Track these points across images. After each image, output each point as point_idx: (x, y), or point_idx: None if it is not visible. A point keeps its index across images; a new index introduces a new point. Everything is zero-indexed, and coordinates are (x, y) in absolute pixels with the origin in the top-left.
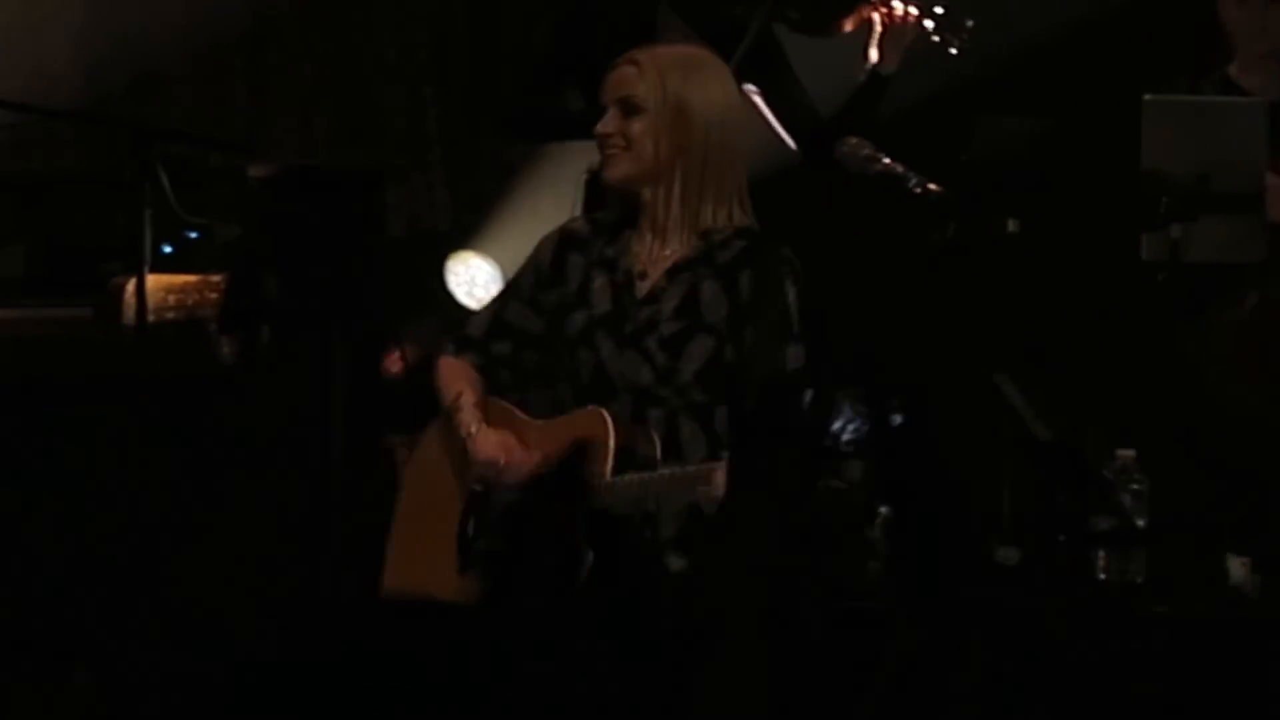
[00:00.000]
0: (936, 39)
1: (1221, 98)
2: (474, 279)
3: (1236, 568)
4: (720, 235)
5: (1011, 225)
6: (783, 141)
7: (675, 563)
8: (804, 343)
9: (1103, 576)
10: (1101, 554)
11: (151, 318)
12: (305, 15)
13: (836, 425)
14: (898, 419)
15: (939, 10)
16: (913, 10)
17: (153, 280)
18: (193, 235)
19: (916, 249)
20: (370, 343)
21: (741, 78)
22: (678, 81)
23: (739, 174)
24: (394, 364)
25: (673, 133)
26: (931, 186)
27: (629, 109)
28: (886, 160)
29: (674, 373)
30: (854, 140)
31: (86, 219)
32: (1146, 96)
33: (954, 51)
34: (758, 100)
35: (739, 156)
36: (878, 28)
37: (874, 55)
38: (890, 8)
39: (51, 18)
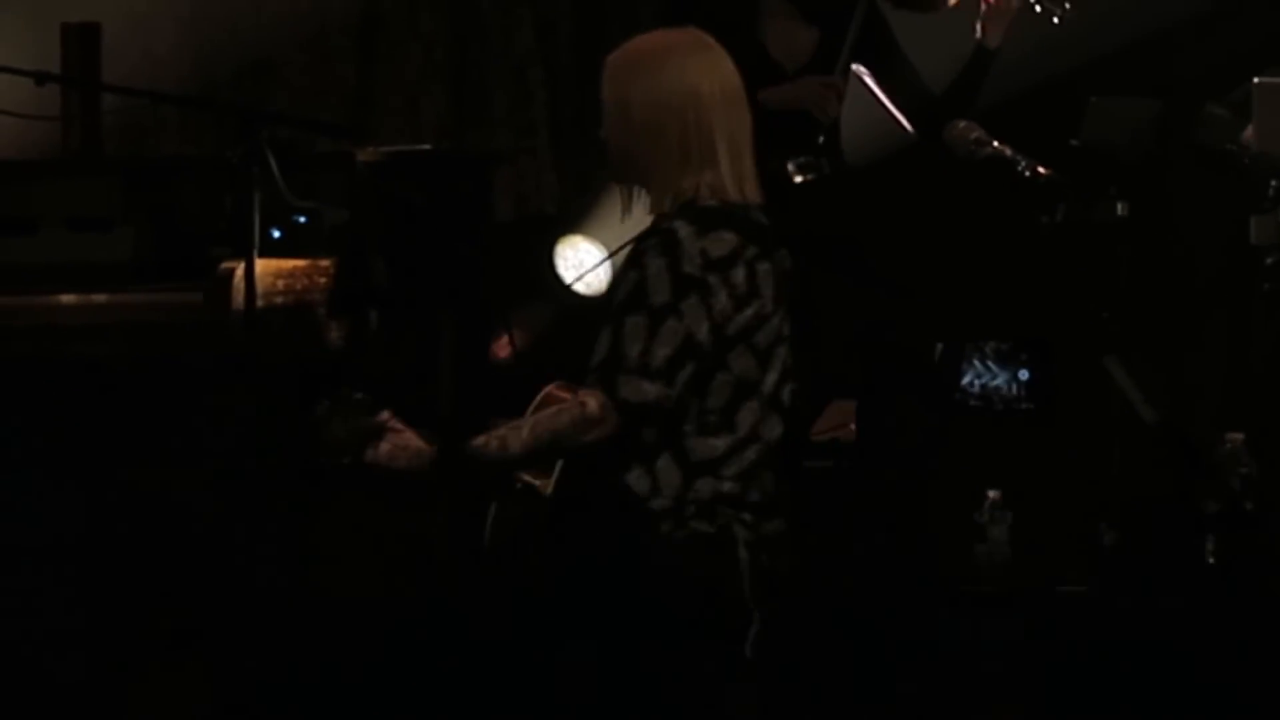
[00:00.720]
0: (1038, 9)
1: None
2: (582, 262)
3: None
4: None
5: (1121, 208)
6: (896, 122)
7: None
8: (675, 314)
9: (1211, 560)
10: (1210, 538)
11: (260, 302)
12: (414, 0)
13: (966, 379)
14: (1024, 374)
15: None
16: None
17: (261, 265)
18: (301, 220)
19: (1026, 231)
20: (478, 327)
21: (850, 58)
22: (622, 82)
23: (699, 159)
24: (502, 348)
25: (617, 134)
26: (1041, 170)
27: (601, 113)
28: (995, 144)
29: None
30: (963, 124)
31: (195, 203)
32: (1256, 80)
33: (1055, 21)
34: (868, 81)
35: (681, 145)
36: (982, 3)
37: (979, 30)
38: None
39: (160, 4)
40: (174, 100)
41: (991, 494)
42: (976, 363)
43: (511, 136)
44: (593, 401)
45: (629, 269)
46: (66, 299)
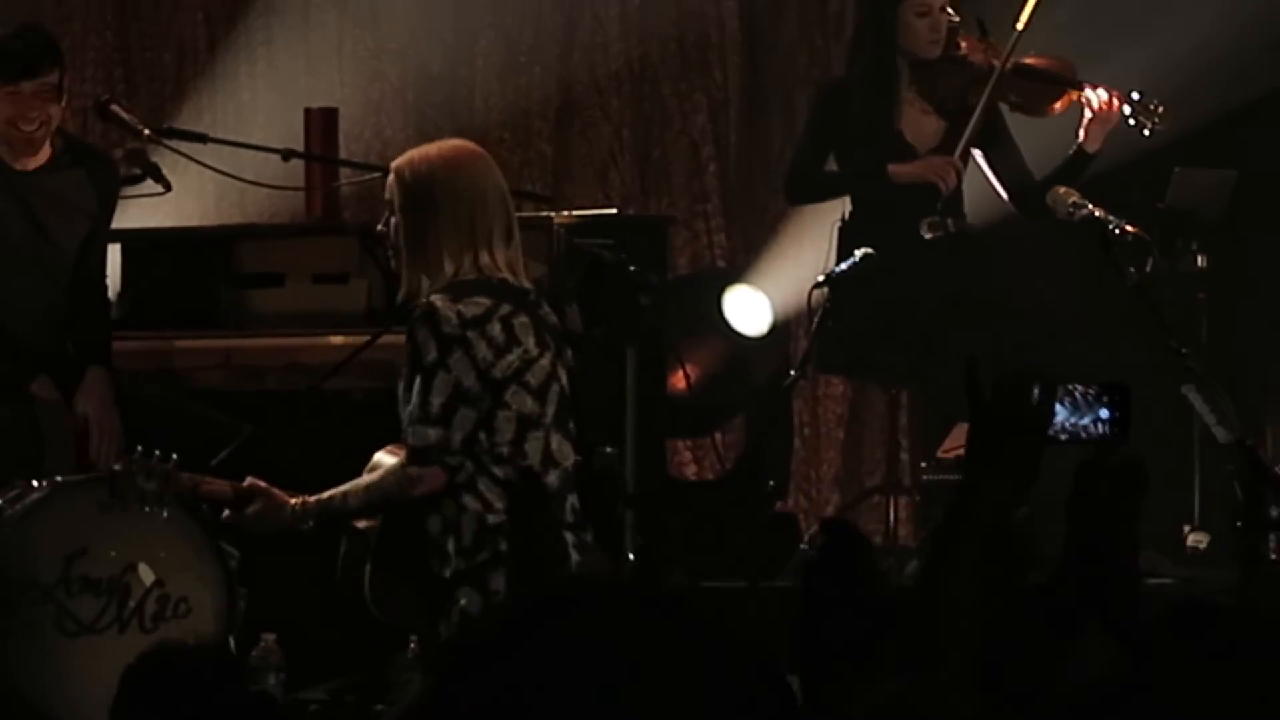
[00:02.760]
0: (1132, 123)
1: None
2: (747, 308)
3: None
4: None
5: (1200, 261)
6: (999, 195)
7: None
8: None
9: (1273, 557)
10: (1273, 538)
11: None
12: (603, 88)
13: (1058, 417)
14: (1105, 413)
15: (1135, 96)
16: (1112, 98)
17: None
18: None
19: (1118, 282)
20: (658, 363)
21: (970, 144)
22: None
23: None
24: (678, 380)
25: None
26: (1129, 228)
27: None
28: (1090, 206)
29: None
30: (1062, 189)
31: None
32: None
33: (1146, 134)
34: (982, 163)
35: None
36: (1086, 113)
37: (1082, 135)
38: (1092, 95)
39: (390, 93)
40: None
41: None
42: (1066, 403)
43: (687, 203)
44: (409, 464)
45: (406, 344)
46: (309, 340)
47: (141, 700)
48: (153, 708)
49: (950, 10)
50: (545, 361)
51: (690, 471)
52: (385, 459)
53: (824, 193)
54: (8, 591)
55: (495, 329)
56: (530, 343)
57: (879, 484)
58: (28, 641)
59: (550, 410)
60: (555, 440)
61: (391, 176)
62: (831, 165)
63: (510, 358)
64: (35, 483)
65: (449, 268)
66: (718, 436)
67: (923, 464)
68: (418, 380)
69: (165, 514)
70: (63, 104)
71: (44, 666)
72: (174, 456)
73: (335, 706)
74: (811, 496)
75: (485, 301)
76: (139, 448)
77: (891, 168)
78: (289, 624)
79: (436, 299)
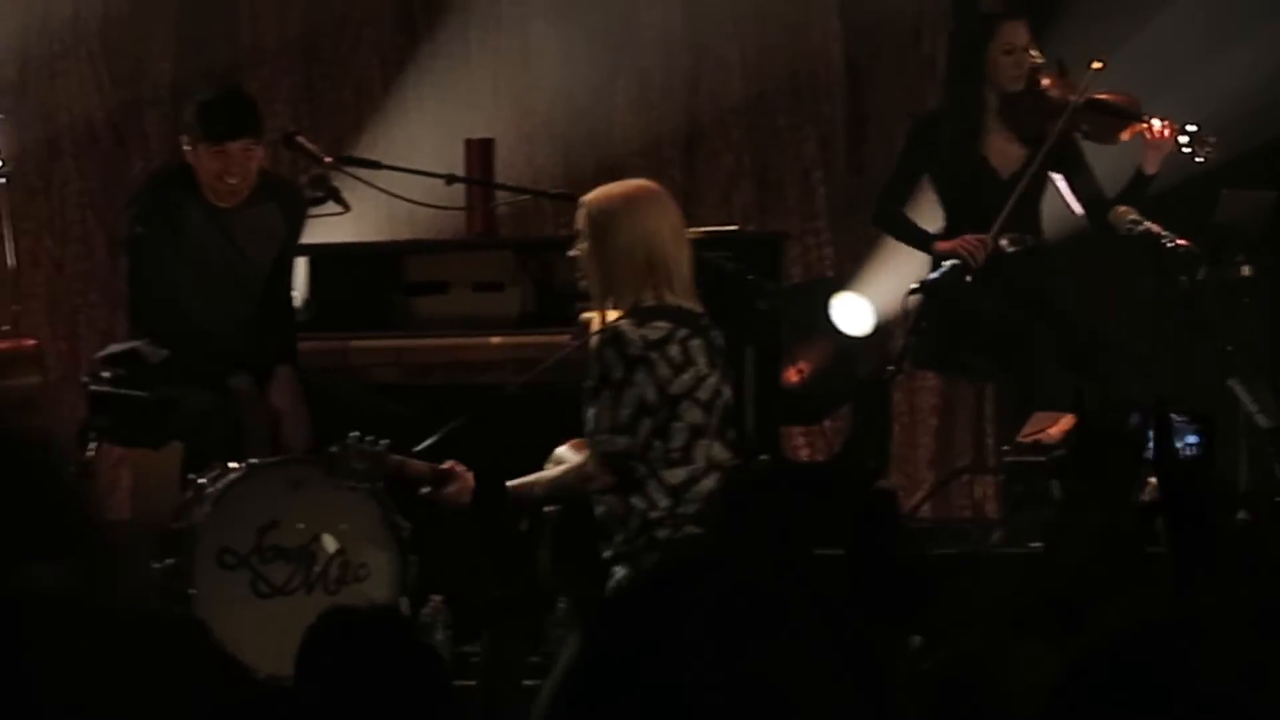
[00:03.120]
0: (1187, 151)
1: None
2: (852, 311)
3: None
4: None
5: (1246, 270)
6: (1073, 212)
7: None
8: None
9: None
10: None
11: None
12: (725, 121)
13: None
14: (1191, 438)
15: (1191, 129)
16: (1170, 129)
17: (611, 315)
18: None
19: (1171, 288)
20: (774, 360)
21: (1045, 167)
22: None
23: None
24: (792, 375)
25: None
26: (1181, 241)
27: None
28: (1146, 223)
29: None
30: (1122, 208)
31: (563, 272)
32: None
33: (1199, 161)
34: (1060, 184)
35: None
36: (1147, 141)
37: (1143, 161)
38: (1154, 126)
39: (540, 125)
40: (549, 195)
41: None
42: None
43: (799, 221)
44: (588, 463)
45: (592, 362)
46: (470, 341)
47: (322, 653)
48: (332, 659)
49: (1033, 50)
50: (713, 379)
51: (803, 454)
52: (567, 454)
53: (895, 234)
54: (209, 558)
55: (673, 350)
56: (701, 362)
57: (967, 465)
58: (226, 601)
59: (715, 421)
60: (717, 447)
61: (582, 210)
62: (926, 190)
63: (685, 376)
64: (233, 464)
65: (631, 296)
66: (826, 424)
67: (1004, 447)
68: (606, 394)
69: (348, 491)
70: (261, 151)
71: (241, 623)
72: (383, 441)
73: (494, 657)
74: (909, 475)
75: (665, 326)
76: (353, 433)
77: (935, 245)
78: (454, 587)
79: (623, 324)
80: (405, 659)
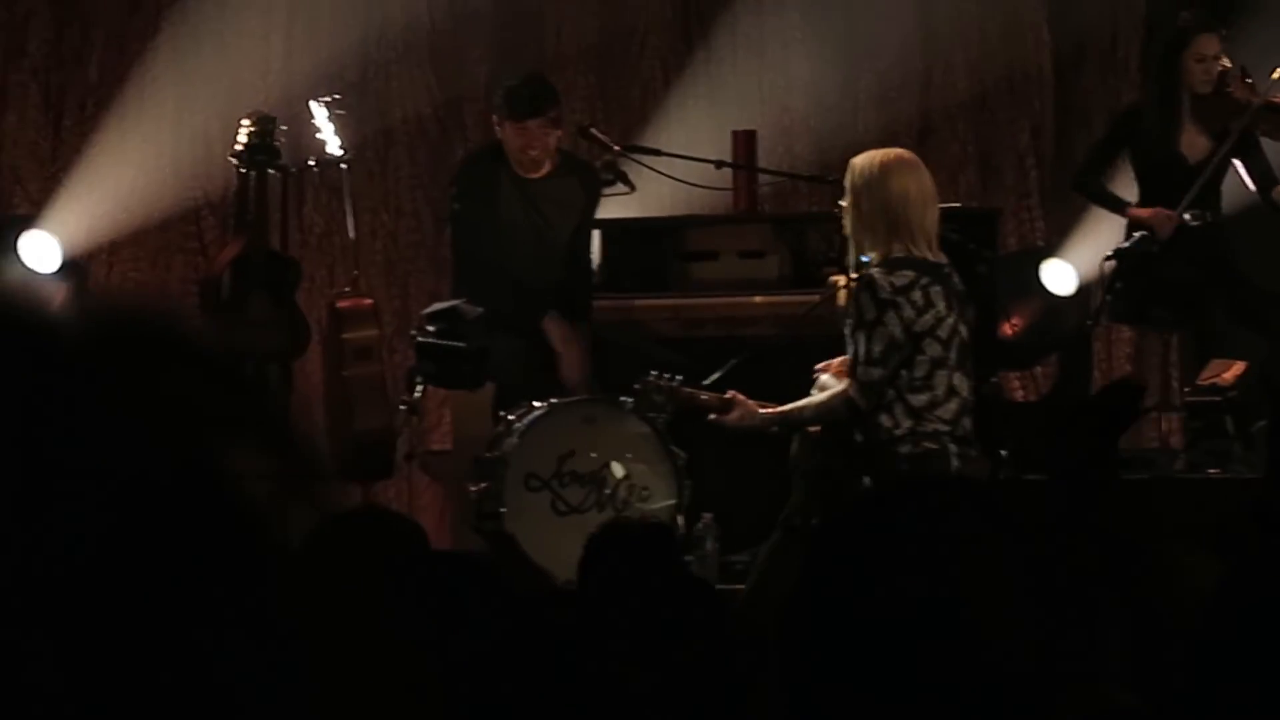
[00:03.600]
0: None
1: None
2: (1058, 274)
3: None
4: None
5: None
6: (1250, 190)
7: None
8: None
9: None
10: None
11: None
12: (952, 115)
13: None
14: None
15: None
16: None
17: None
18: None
19: None
20: (991, 316)
21: (1228, 156)
22: (856, 184)
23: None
24: (1007, 329)
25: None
26: None
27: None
28: None
29: None
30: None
31: (815, 242)
32: None
33: None
34: (1241, 170)
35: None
36: None
37: None
38: None
39: (797, 119)
40: (803, 178)
41: None
42: None
43: (1015, 199)
44: (850, 389)
45: (851, 304)
46: (737, 299)
47: (602, 557)
48: (608, 564)
49: (1223, 59)
50: (951, 320)
51: (1019, 395)
52: (829, 380)
53: (1093, 198)
54: (517, 482)
55: (917, 295)
56: (941, 306)
57: (1155, 404)
58: (531, 518)
59: (953, 355)
60: (957, 377)
61: (849, 171)
62: (1125, 168)
63: (927, 317)
64: (535, 403)
65: (883, 247)
66: (1037, 370)
67: (1186, 389)
68: (861, 332)
69: (634, 425)
70: (559, 132)
71: (543, 536)
72: (678, 377)
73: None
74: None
75: (910, 274)
76: (653, 371)
77: (1130, 211)
78: (724, 505)
79: (875, 271)
80: (668, 564)
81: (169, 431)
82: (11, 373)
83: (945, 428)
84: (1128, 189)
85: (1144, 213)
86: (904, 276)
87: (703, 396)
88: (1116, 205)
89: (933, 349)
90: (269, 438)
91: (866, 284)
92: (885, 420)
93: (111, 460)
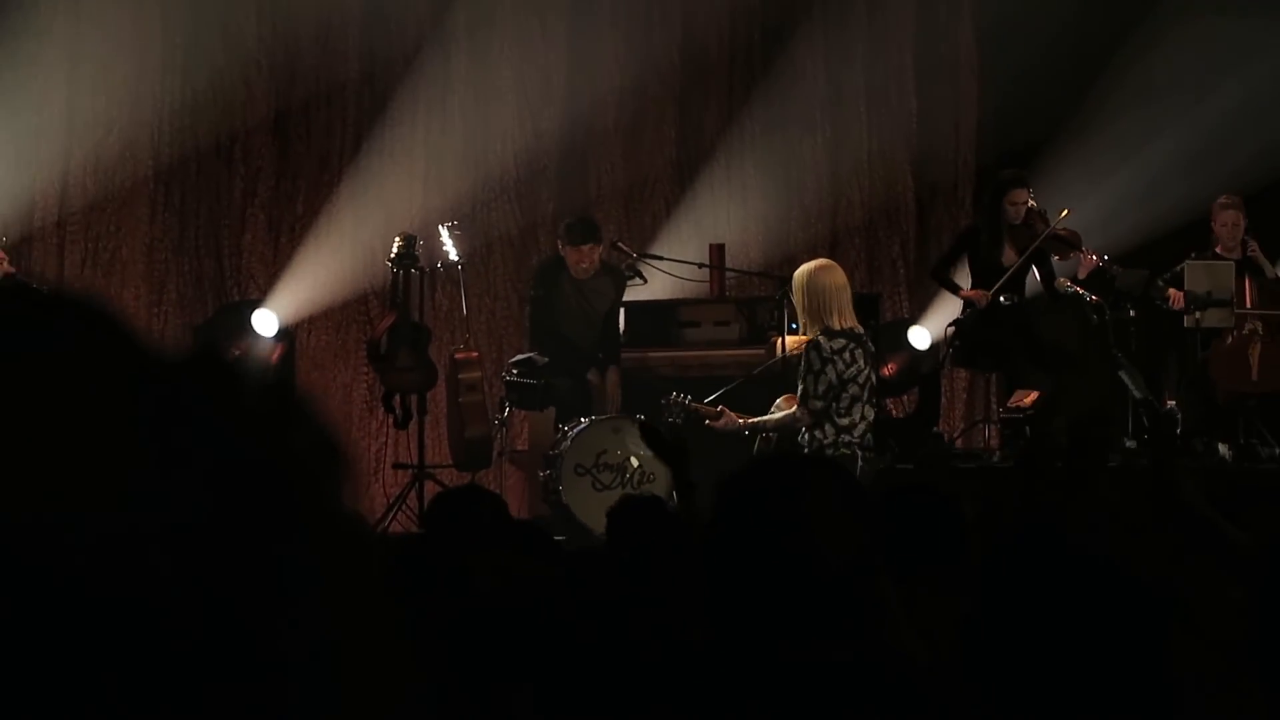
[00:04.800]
0: (1103, 268)
1: None
2: (918, 336)
3: None
4: None
5: (1131, 312)
6: (1039, 284)
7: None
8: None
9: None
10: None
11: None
12: (847, 236)
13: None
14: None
15: (1106, 258)
16: (1095, 257)
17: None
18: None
19: (1089, 324)
20: (878, 365)
21: (1028, 262)
22: (799, 285)
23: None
24: (886, 371)
25: (799, 304)
26: (1094, 297)
27: None
28: (1074, 287)
29: None
30: (1063, 279)
31: (762, 314)
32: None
33: (1110, 276)
34: (1035, 271)
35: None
36: (1080, 260)
37: (1080, 269)
38: (1086, 254)
39: (752, 237)
40: (754, 274)
41: None
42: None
43: (890, 287)
44: (800, 412)
45: (805, 357)
46: (712, 353)
47: (621, 520)
48: (624, 521)
49: (1030, 201)
50: (867, 370)
51: (895, 414)
52: (783, 404)
53: (943, 284)
54: (570, 470)
55: (846, 355)
56: (861, 362)
57: (981, 419)
58: (579, 494)
59: (865, 393)
60: (866, 408)
61: (793, 279)
62: (963, 267)
63: (852, 369)
64: (581, 420)
65: (822, 323)
66: (905, 397)
67: (1000, 409)
68: (810, 377)
69: (640, 431)
70: (600, 250)
71: (586, 505)
72: (685, 396)
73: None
74: (950, 424)
75: (843, 341)
76: (673, 393)
77: (962, 292)
78: (707, 484)
79: (821, 338)
80: (662, 524)
81: (250, 426)
82: (146, 391)
83: (857, 440)
84: (963, 279)
85: (972, 293)
86: (839, 342)
87: (703, 409)
88: (955, 289)
89: (853, 390)
90: (306, 429)
91: (814, 346)
92: (819, 434)
93: (219, 447)
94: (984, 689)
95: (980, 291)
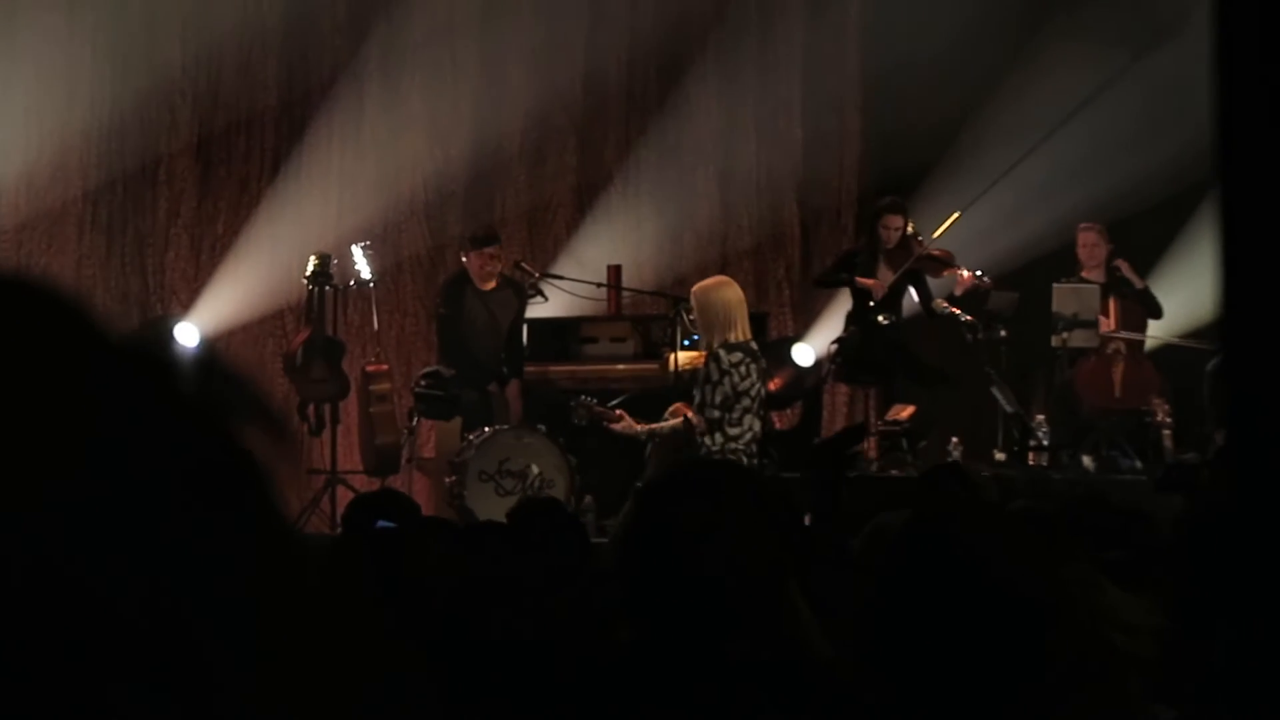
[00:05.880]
0: (976, 284)
1: None
2: (802, 353)
3: None
4: None
5: (1003, 332)
6: (916, 304)
7: None
8: None
9: (1033, 463)
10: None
11: None
12: (737, 260)
13: None
14: None
15: (979, 273)
16: (970, 275)
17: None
18: None
19: (963, 341)
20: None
21: (902, 284)
22: (697, 298)
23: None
24: (772, 385)
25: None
26: (968, 317)
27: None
28: (951, 308)
29: None
30: (939, 300)
31: (656, 331)
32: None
33: (984, 290)
34: (912, 291)
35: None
36: (957, 277)
37: (956, 287)
38: (960, 273)
39: (645, 258)
40: (647, 293)
41: None
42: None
43: (776, 307)
44: (696, 419)
45: (704, 367)
46: (609, 367)
47: (519, 520)
48: (520, 521)
49: (907, 225)
50: (759, 384)
51: (779, 425)
52: (678, 411)
53: (828, 286)
54: (474, 476)
55: (742, 368)
56: (754, 376)
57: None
58: (482, 498)
59: (755, 405)
60: (755, 419)
61: (692, 294)
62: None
63: (745, 383)
64: (486, 429)
65: (720, 336)
66: (789, 410)
67: (878, 422)
68: (708, 387)
69: (545, 441)
70: (501, 262)
71: (489, 509)
72: (594, 399)
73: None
74: (832, 429)
75: (739, 355)
76: (582, 396)
77: (860, 280)
78: (600, 491)
79: (720, 350)
80: (560, 525)
81: (206, 420)
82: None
83: (743, 449)
84: (841, 302)
85: (869, 281)
86: (736, 355)
87: (605, 413)
88: (851, 281)
89: (745, 402)
90: (256, 413)
91: (714, 358)
92: (709, 441)
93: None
94: (884, 679)
95: (876, 281)
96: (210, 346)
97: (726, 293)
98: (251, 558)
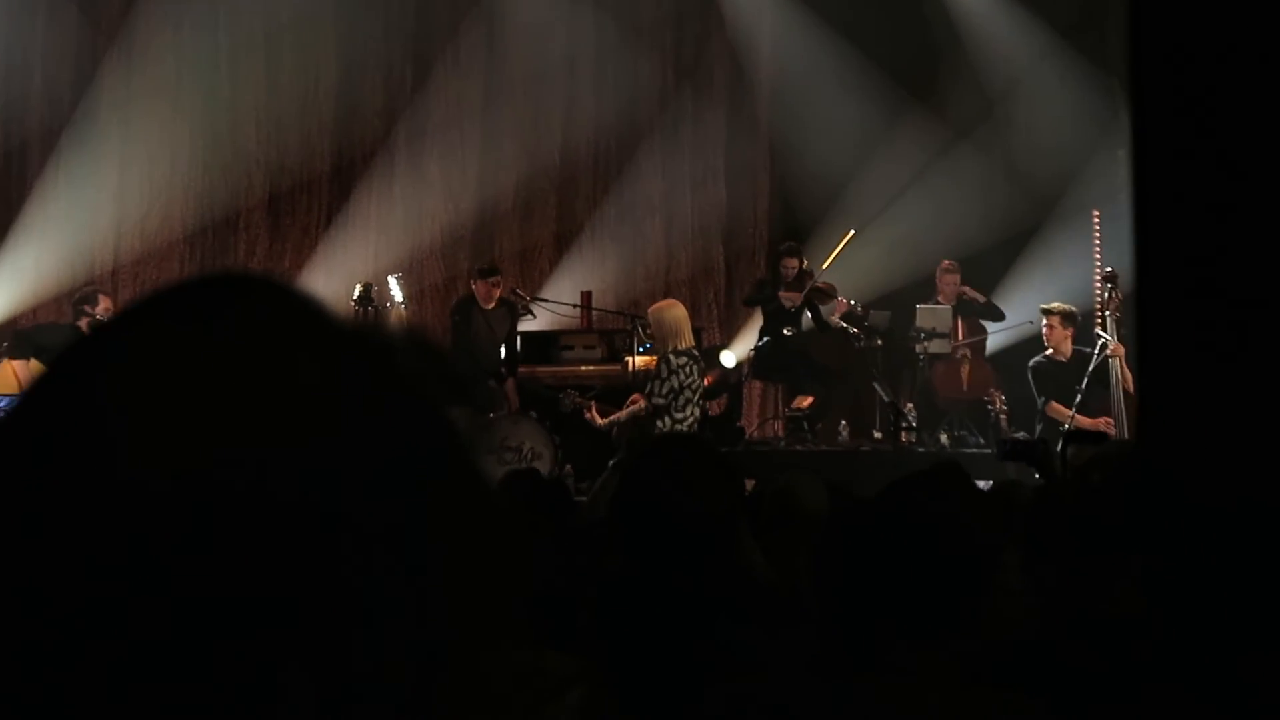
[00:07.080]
0: (849, 310)
1: None
2: (727, 358)
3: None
4: None
5: (879, 341)
6: (813, 321)
7: None
8: None
9: (905, 440)
10: (905, 432)
11: None
12: (678, 285)
13: None
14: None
15: (853, 302)
16: (847, 303)
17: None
18: None
19: (851, 346)
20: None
21: (802, 306)
22: (654, 318)
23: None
24: (705, 382)
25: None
26: (855, 330)
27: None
28: (842, 323)
29: None
30: (835, 315)
31: (618, 342)
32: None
33: (856, 314)
34: (809, 312)
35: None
36: (836, 305)
37: (835, 312)
38: (841, 301)
39: (609, 285)
40: (611, 312)
41: None
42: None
43: (707, 324)
44: (646, 408)
45: (657, 367)
46: (583, 368)
47: (513, 485)
48: (517, 487)
49: (803, 264)
50: (700, 381)
51: (712, 411)
52: (635, 400)
53: (755, 305)
54: (478, 451)
55: (686, 369)
56: (695, 374)
57: (771, 416)
58: (489, 468)
59: (696, 397)
60: (695, 409)
61: (650, 312)
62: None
63: (690, 379)
64: (490, 414)
65: (670, 344)
66: (715, 401)
67: (785, 409)
68: (657, 382)
69: (536, 423)
70: (500, 289)
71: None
72: (576, 392)
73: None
74: (749, 421)
75: (685, 359)
76: (568, 389)
77: (780, 293)
78: (577, 461)
79: (670, 355)
80: (546, 489)
81: (422, 395)
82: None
83: (687, 429)
84: (755, 320)
85: (788, 294)
86: (682, 359)
87: (582, 402)
88: (771, 299)
89: (687, 394)
90: (458, 391)
91: (665, 360)
92: (659, 424)
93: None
94: (828, 606)
95: (795, 293)
96: (421, 334)
97: (675, 311)
98: (460, 509)
